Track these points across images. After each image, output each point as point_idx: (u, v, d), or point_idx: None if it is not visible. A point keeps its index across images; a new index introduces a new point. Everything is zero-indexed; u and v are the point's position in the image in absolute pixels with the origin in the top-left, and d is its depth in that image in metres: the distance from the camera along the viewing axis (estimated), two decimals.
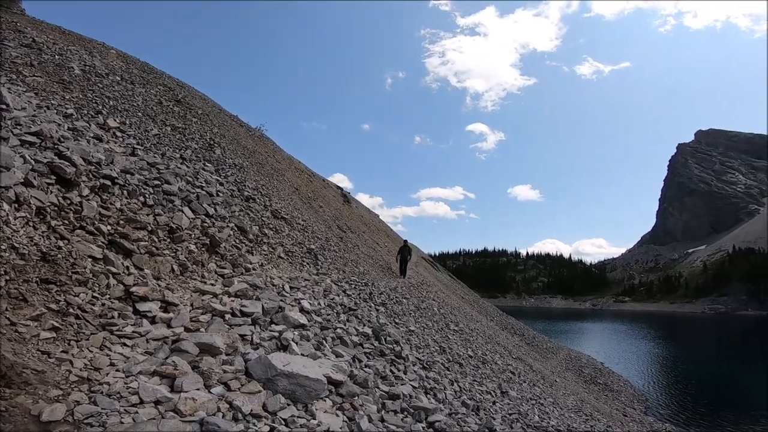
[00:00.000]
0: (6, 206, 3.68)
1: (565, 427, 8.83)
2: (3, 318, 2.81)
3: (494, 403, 7.61)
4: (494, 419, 6.47)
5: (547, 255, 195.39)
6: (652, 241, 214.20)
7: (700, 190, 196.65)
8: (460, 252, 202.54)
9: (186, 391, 2.88)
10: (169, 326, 3.70)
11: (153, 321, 3.72)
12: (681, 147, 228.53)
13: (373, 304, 8.38)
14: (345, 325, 5.97)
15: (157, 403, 2.72)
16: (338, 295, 7.08)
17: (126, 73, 11.87)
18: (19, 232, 3.59)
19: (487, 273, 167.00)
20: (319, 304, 5.99)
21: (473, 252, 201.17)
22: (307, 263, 8.71)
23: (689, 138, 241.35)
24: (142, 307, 3.77)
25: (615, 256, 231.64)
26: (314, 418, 3.41)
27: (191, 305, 4.24)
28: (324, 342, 4.97)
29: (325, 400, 3.79)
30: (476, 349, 12.13)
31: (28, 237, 3.61)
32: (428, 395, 5.58)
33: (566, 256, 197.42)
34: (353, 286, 8.75)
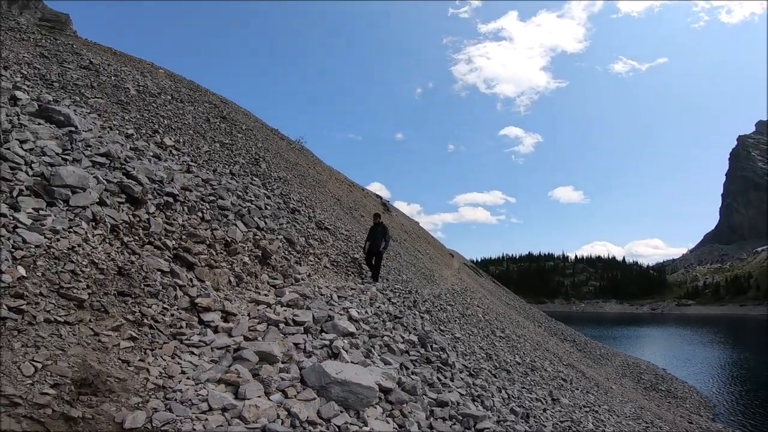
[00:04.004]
0: (84, 225, 4.07)
1: None
2: (87, 329, 3.12)
3: (545, 410, 7.39)
4: (545, 427, 6.28)
5: (598, 258, 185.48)
6: (717, 239, 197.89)
7: (765, 184, 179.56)
8: (503, 257, 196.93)
9: (249, 399, 3.07)
10: (230, 335, 3.93)
11: (216, 330, 3.98)
12: (742, 139, 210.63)
13: (417, 312, 8.39)
14: (391, 332, 6.03)
15: (224, 410, 2.91)
16: (383, 303, 7.16)
17: (175, 92, 12.67)
18: (98, 248, 3.97)
19: (532, 278, 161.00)
20: (366, 312, 6.09)
21: (517, 257, 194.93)
22: (352, 272, 8.88)
23: (747, 130, 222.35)
24: (206, 317, 4.04)
25: (675, 257, 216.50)
26: (366, 425, 3.48)
27: (248, 315, 4.48)
28: (372, 350, 5.04)
29: (375, 407, 3.85)
30: (524, 355, 11.79)
31: (106, 253, 3.98)
32: (476, 402, 5.50)
33: (619, 258, 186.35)
34: (397, 294, 8.80)
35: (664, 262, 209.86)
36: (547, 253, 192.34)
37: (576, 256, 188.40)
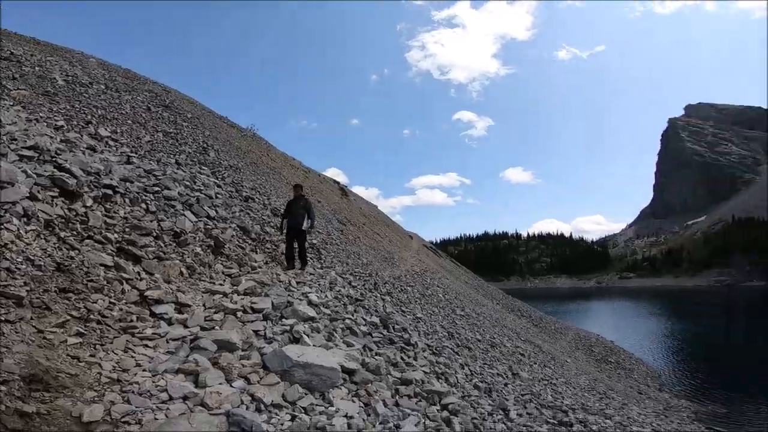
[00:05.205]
0: (16, 221, 3.78)
1: (580, 405, 8.94)
2: (29, 326, 2.94)
3: (506, 384, 7.74)
4: (507, 400, 6.59)
5: (548, 235, 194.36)
6: (652, 214, 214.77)
7: (694, 162, 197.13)
8: (461, 237, 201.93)
9: (210, 386, 3.03)
10: (185, 326, 3.83)
11: (170, 322, 3.86)
12: (672, 121, 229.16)
13: (378, 294, 8.53)
14: (353, 315, 6.11)
15: (185, 398, 2.87)
16: (344, 287, 7.21)
17: (110, 81, 11.77)
18: (32, 244, 3.70)
19: (489, 257, 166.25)
20: (326, 296, 6.12)
21: (474, 237, 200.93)
22: (311, 258, 8.84)
23: (677, 113, 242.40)
24: (158, 309, 3.90)
25: (615, 232, 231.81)
26: (332, 406, 3.55)
27: (204, 305, 4.38)
28: (334, 333, 5.10)
29: (340, 388, 3.93)
30: (484, 332, 12.27)
31: (42, 249, 3.72)
32: (440, 380, 5.71)
33: (567, 234, 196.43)
34: (358, 277, 8.89)
35: (606, 237, 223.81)
36: (502, 232, 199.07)
37: (528, 234, 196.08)
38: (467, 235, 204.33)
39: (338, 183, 32.51)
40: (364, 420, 3.56)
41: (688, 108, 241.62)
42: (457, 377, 6.28)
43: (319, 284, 6.62)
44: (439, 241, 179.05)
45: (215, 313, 4.21)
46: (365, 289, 8.22)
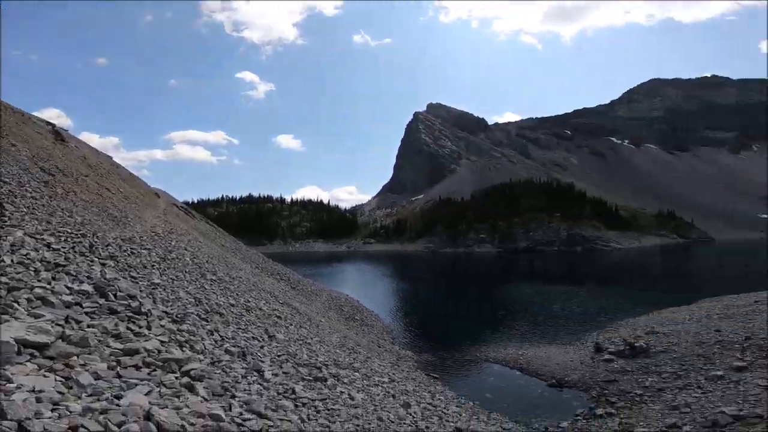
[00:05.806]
0: None
1: (332, 361, 10.10)
2: None
3: (262, 347, 7.96)
4: (263, 362, 6.83)
5: (310, 201, 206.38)
6: (391, 190, 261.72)
7: (423, 151, 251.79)
8: (222, 198, 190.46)
9: None
10: None
11: None
12: (416, 115, 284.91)
13: (96, 258, 7.20)
14: (50, 284, 5.02)
15: None
16: (36, 251, 5.72)
17: None
18: None
19: (252, 220, 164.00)
20: (2, 261, 4.65)
21: (237, 198, 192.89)
22: None
23: (423, 108, 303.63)
24: None
25: (363, 202, 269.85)
26: (11, 382, 2.95)
27: None
28: (14, 305, 4.14)
29: (25, 365, 3.32)
30: (239, 297, 12.17)
31: None
32: (183, 348, 5.45)
33: (325, 202, 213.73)
34: (63, 238, 7.18)
35: (356, 206, 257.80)
36: (266, 196, 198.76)
37: (292, 199, 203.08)
38: (229, 196, 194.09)
39: (52, 125, 24.79)
40: (62, 394, 3.10)
41: (429, 106, 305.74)
42: (204, 344, 6.14)
43: None
44: (197, 201, 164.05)
45: None
46: (74, 252, 6.74)
